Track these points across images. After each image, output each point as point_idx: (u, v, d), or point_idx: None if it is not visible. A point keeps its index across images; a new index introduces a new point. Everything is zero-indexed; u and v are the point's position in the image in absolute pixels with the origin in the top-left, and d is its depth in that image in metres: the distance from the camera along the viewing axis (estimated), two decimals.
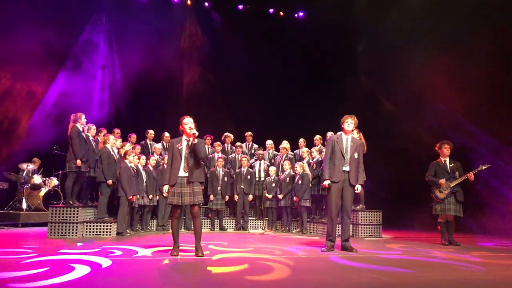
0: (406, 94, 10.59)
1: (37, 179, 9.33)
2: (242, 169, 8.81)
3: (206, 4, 12.63)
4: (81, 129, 7.27)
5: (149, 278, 3.61)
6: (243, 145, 9.63)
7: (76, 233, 6.78)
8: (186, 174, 4.80)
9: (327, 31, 12.11)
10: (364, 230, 7.75)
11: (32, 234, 7.27)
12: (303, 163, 8.39)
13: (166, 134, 9.25)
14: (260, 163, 9.08)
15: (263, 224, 8.84)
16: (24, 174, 9.40)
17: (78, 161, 7.04)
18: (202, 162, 4.91)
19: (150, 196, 7.74)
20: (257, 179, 8.96)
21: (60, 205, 7.29)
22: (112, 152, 7.32)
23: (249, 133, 9.94)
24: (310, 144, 9.00)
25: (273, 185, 8.59)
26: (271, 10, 12.99)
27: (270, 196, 8.55)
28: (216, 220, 8.79)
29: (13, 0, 9.91)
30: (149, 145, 9.08)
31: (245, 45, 11.94)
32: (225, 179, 8.71)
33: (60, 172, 9.71)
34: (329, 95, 11.86)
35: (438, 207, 6.62)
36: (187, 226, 8.25)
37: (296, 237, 7.44)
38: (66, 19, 10.38)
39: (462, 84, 9.47)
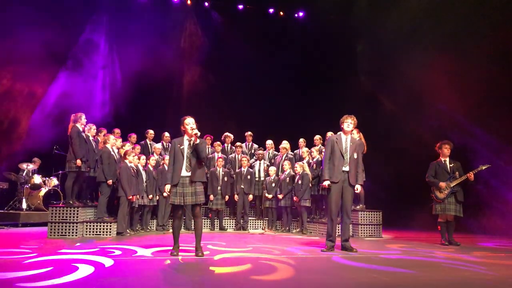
0: (406, 94, 10.58)
1: (37, 179, 9.33)
2: (242, 169, 8.81)
3: (206, 4, 12.63)
4: (81, 129, 7.27)
5: (153, 278, 3.60)
6: (243, 145, 9.63)
7: (76, 233, 6.78)
8: (188, 174, 4.81)
9: (327, 31, 12.12)
10: (364, 230, 7.75)
11: (32, 234, 7.27)
12: (303, 163, 8.39)
13: (166, 134, 9.25)
14: (260, 163, 9.08)
15: (263, 224, 8.84)
16: (24, 174, 9.40)
17: (78, 161, 7.04)
18: (206, 162, 4.92)
19: (150, 196, 7.74)
20: (257, 179, 8.96)
21: (60, 205, 7.29)
22: (112, 152, 7.32)
23: (249, 133, 9.94)
24: (310, 144, 9.00)
25: (273, 185, 8.60)
26: (271, 10, 12.99)
27: (270, 196, 8.55)
28: (216, 220, 8.79)
29: (13, 0, 9.92)
30: (149, 145, 9.08)
31: (245, 45, 11.94)
32: (225, 179, 8.71)
33: (60, 172, 9.72)
34: (329, 95, 11.87)
35: (438, 207, 6.62)
36: (187, 226, 8.25)
37: (296, 237, 7.44)
38: (66, 19, 10.38)
39: (462, 84, 9.47)
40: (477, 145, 9.17)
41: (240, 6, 12.69)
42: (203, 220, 8.64)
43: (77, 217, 6.85)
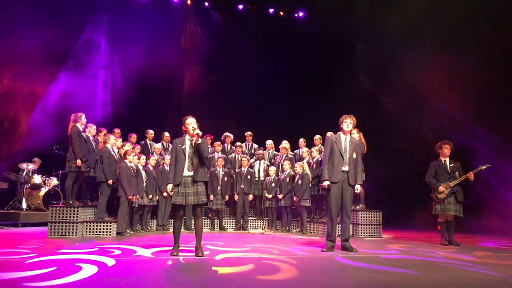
0: (406, 94, 10.59)
1: (37, 179, 9.33)
2: (242, 169, 8.81)
3: (206, 4, 12.63)
4: (81, 129, 7.27)
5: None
6: (243, 145, 9.63)
7: (76, 233, 6.78)
8: (190, 174, 4.82)
9: (327, 31, 12.12)
10: (364, 230, 7.75)
11: (32, 234, 7.27)
12: (303, 163, 8.40)
13: (166, 134, 9.25)
14: (260, 163, 9.08)
15: (263, 224, 8.84)
16: (24, 174, 9.40)
17: (78, 161, 7.04)
18: (207, 162, 4.93)
19: (150, 196, 7.74)
20: (256, 179, 8.96)
21: (60, 205, 7.29)
22: (112, 152, 7.32)
23: (249, 133, 9.94)
24: (310, 144, 9.00)
25: (273, 185, 8.60)
26: (271, 10, 12.99)
27: (270, 196, 8.55)
28: (216, 220, 8.79)
29: (13, 0, 9.92)
30: (149, 145, 9.08)
31: (245, 45, 11.94)
32: (225, 179, 8.71)
33: (60, 172, 9.72)
34: (329, 95, 11.88)
35: (438, 207, 6.62)
36: (187, 226, 8.25)
37: (296, 237, 7.44)
38: (67, 19, 10.38)
39: (462, 84, 9.47)
40: (477, 145, 9.17)
41: (240, 6, 12.69)
42: (203, 220, 8.64)
43: (77, 217, 6.85)
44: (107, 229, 6.99)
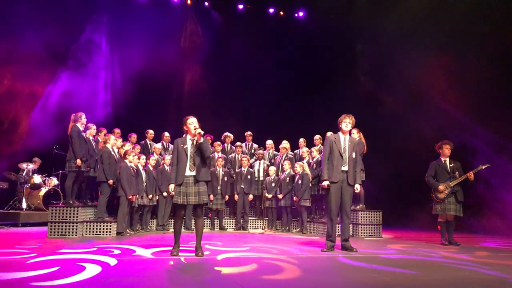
0: (406, 94, 10.59)
1: (37, 178, 9.33)
2: (242, 168, 8.81)
3: (206, 3, 12.63)
4: (81, 129, 7.27)
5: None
6: (243, 145, 9.63)
7: (76, 232, 6.78)
8: (192, 173, 4.82)
9: (327, 31, 12.12)
10: (364, 230, 7.75)
11: (32, 234, 7.27)
12: (303, 163, 8.40)
13: (166, 134, 9.26)
14: (260, 163, 9.08)
15: (263, 224, 8.84)
16: (24, 174, 9.40)
17: (78, 161, 7.04)
18: (208, 161, 4.94)
19: (150, 196, 7.74)
20: (256, 179, 8.96)
21: (60, 204, 7.28)
22: (112, 152, 7.32)
23: (249, 132, 9.94)
24: (310, 144, 9.00)
25: (273, 185, 8.60)
26: (271, 10, 12.99)
27: (270, 196, 8.55)
28: (216, 220, 8.79)
29: (14, 0, 9.92)
30: (149, 145, 9.08)
31: (245, 45, 11.94)
32: (225, 179, 8.71)
33: (60, 171, 9.72)
34: (329, 94, 11.88)
35: (438, 207, 6.62)
36: (187, 226, 8.25)
37: (296, 237, 7.44)
38: (67, 19, 10.38)
39: (462, 84, 9.48)
40: (477, 145, 9.17)
41: (240, 6, 12.69)
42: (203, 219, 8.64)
43: (77, 217, 6.85)
44: (107, 229, 6.99)
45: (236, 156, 9.28)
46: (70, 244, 5.75)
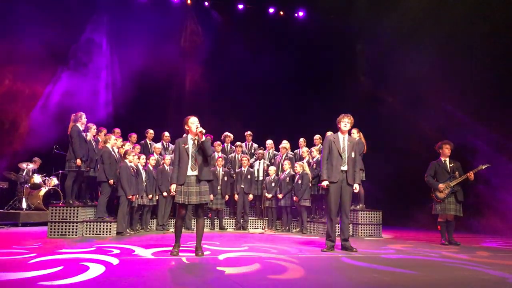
0: (406, 94, 10.59)
1: (37, 178, 9.33)
2: (242, 168, 8.81)
3: (206, 3, 12.62)
4: (81, 129, 7.26)
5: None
6: (243, 144, 9.63)
7: (76, 232, 6.78)
8: (194, 173, 4.81)
9: (327, 30, 12.12)
10: (364, 230, 7.75)
11: (32, 233, 7.27)
12: (303, 162, 8.40)
13: (166, 133, 9.26)
14: (260, 163, 9.08)
15: (263, 224, 8.84)
16: (24, 174, 9.39)
17: (78, 161, 7.04)
18: (209, 160, 4.94)
19: (150, 196, 7.74)
20: (256, 178, 8.95)
21: (60, 204, 7.28)
22: (112, 152, 7.32)
23: (249, 132, 9.94)
24: (310, 144, 9.00)
25: (273, 184, 8.60)
26: (271, 10, 12.99)
27: (270, 195, 8.55)
28: (216, 220, 8.79)
29: (14, 0, 9.93)
30: (149, 145, 9.08)
31: (245, 45, 11.95)
32: (225, 178, 8.71)
33: (60, 171, 9.72)
34: (329, 94, 11.88)
35: (438, 206, 6.62)
36: (187, 226, 8.25)
37: (296, 237, 7.44)
38: (67, 18, 10.39)
39: (462, 84, 9.48)
40: (477, 145, 9.17)
41: (240, 6, 12.69)
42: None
43: (77, 216, 6.85)
44: (107, 229, 6.99)
45: (236, 156, 9.28)
46: (70, 244, 5.75)
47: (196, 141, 4.86)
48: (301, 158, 8.81)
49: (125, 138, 8.57)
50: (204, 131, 4.83)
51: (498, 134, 9.02)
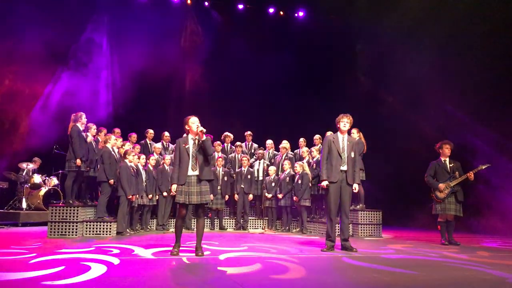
0: (406, 94, 10.60)
1: (37, 178, 9.33)
2: (242, 168, 8.81)
3: (206, 3, 12.62)
4: (81, 129, 7.26)
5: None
6: (243, 144, 9.63)
7: (76, 232, 6.78)
8: (194, 173, 4.81)
9: (327, 30, 12.13)
10: (364, 230, 7.74)
11: (32, 233, 7.27)
12: (303, 162, 8.40)
13: (166, 133, 9.26)
14: (260, 163, 9.08)
15: (263, 224, 8.84)
16: (24, 174, 9.39)
17: (78, 161, 7.04)
18: (210, 160, 4.94)
19: (150, 196, 7.73)
20: (256, 178, 8.95)
21: (60, 204, 7.28)
22: (112, 152, 7.32)
23: (249, 132, 9.94)
24: (310, 144, 9.00)
25: (273, 184, 8.60)
26: (271, 10, 12.99)
27: (269, 195, 8.55)
28: (216, 220, 8.80)
29: (14, 0, 9.93)
30: (149, 145, 9.08)
31: (245, 45, 11.94)
32: (225, 178, 8.71)
33: (60, 171, 9.72)
34: (329, 94, 11.88)
35: (438, 206, 6.62)
36: (187, 226, 8.25)
37: (296, 237, 7.44)
38: (67, 18, 10.39)
39: (462, 83, 9.48)
40: (477, 145, 9.18)
41: (240, 6, 12.68)
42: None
43: (77, 216, 6.85)
44: (107, 229, 6.99)
45: (236, 156, 9.28)
46: (70, 244, 5.75)
47: (196, 141, 4.86)
48: (301, 158, 8.81)
49: (125, 138, 8.57)
50: (204, 130, 4.83)
51: (498, 134, 9.02)
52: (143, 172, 7.63)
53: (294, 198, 8.25)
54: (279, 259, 4.65)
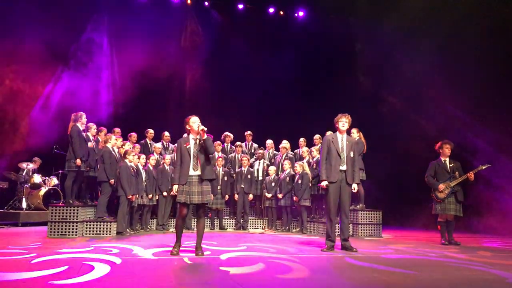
0: (406, 94, 10.60)
1: (37, 178, 9.33)
2: (243, 168, 8.81)
3: (206, 3, 12.62)
4: (81, 129, 7.26)
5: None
6: (243, 144, 9.63)
7: (76, 232, 6.78)
8: (196, 173, 4.82)
9: (327, 30, 12.12)
10: (364, 230, 7.74)
11: (32, 233, 7.27)
12: (303, 162, 8.39)
13: (166, 133, 9.26)
14: (260, 163, 9.08)
15: (263, 224, 8.84)
16: (24, 173, 9.39)
17: (78, 161, 7.03)
18: (211, 159, 4.94)
19: (150, 196, 7.73)
20: (256, 178, 8.95)
21: (60, 204, 7.28)
22: (113, 152, 7.32)
23: (249, 132, 9.94)
24: (310, 144, 9.00)
25: (273, 184, 8.60)
26: (271, 10, 12.99)
27: (269, 195, 8.55)
28: (216, 220, 8.79)
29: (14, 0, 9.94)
30: (149, 145, 9.08)
31: (245, 45, 11.94)
32: (225, 178, 8.71)
33: (60, 171, 9.71)
34: (329, 94, 11.88)
35: (438, 206, 6.62)
36: (187, 226, 8.25)
37: (296, 237, 7.44)
38: (68, 18, 10.39)
39: (462, 84, 9.47)
40: (477, 145, 9.18)
41: (240, 6, 12.68)
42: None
43: (77, 216, 6.85)
44: (107, 228, 6.99)
45: (236, 155, 9.28)
46: (71, 244, 5.75)
47: (197, 141, 4.86)
48: (301, 158, 8.81)
49: (125, 138, 8.56)
50: (206, 129, 4.83)
51: (498, 134, 9.02)
52: (143, 172, 7.63)
53: (294, 198, 8.25)
54: (280, 258, 4.65)
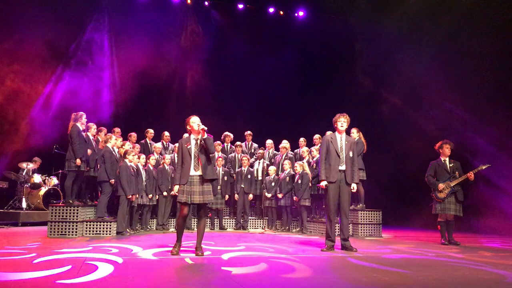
0: (406, 94, 10.60)
1: (37, 178, 9.33)
2: (243, 168, 8.81)
3: (206, 3, 12.62)
4: (81, 128, 7.26)
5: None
6: (243, 144, 9.63)
7: (76, 232, 6.78)
8: (196, 173, 4.82)
9: (327, 30, 12.13)
10: (364, 230, 7.74)
11: (32, 233, 7.27)
12: (303, 162, 8.40)
13: (166, 133, 9.26)
14: (260, 163, 9.08)
15: (263, 224, 8.85)
16: (24, 173, 9.39)
17: (78, 161, 7.03)
18: (212, 159, 4.95)
19: (150, 196, 7.73)
20: (256, 178, 8.95)
21: (60, 204, 7.28)
22: (113, 152, 7.32)
23: (249, 132, 9.93)
24: (310, 144, 9.00)
25: (273, 184, 8.60)
26: (271, 10, 12.99)
27: (269, 195, 8.55)
28: (216, 220, 8.80)
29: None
30: (149, 144, 9.08)
31: (245, 45, 11.94)
32: (225, 178, 8.71)
33: (60, 171, 9.72)
34: (329, 94, 11.88)
35: (438, 206, 6.62)
36: (187, 225, 8.24)
37: (296, 237, 7.44)
38: (68, 18, 10.40)
39: (462, 84, 9.48)
40: (477, 145, 9.18)
41: (240, 6, 12.68)
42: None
43: (77, 216, 6.85)
44: (107, 228, 6.99)
45: (236, 155, 9.28)
46: (71, 243, 5.75)
47: (198, 141, 4.86)
48: (301, 158, 8.81)
49: (125, 138, 8.57)
50: (206, 128, 4.83)
51: (498, 134, 9.02)
52: (143, 172, 7.63)
53: (294, 198, 8.25)
54: (282, 258, 4.66)
